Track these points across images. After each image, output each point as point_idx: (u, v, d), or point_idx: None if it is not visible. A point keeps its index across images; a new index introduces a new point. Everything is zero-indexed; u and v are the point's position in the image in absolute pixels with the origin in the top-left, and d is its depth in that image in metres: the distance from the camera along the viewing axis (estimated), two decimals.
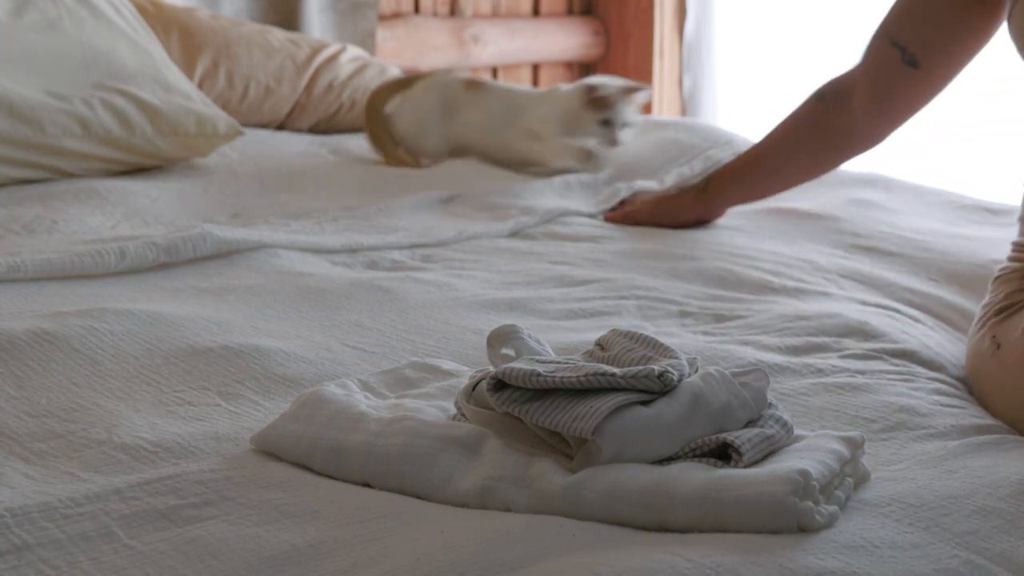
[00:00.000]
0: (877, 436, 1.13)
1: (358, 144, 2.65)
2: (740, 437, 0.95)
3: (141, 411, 1.14)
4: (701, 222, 1.99)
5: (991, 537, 0.90)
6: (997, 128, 3.27)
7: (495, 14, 3.64)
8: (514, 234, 1.96)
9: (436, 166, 2.42)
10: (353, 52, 2.88)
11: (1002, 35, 1.58)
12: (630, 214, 2.02)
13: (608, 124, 2.31)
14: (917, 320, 1.58)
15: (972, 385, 1.37)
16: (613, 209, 2.08)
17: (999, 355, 1.33)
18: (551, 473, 0.93)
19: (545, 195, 2.16)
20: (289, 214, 2.00)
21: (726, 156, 2.30)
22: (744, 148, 2.12)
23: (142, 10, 2.59)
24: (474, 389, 1.01)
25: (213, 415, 1.15)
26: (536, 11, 3.77)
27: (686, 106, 3.84)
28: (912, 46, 1.66)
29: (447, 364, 1.20)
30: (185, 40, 2.63)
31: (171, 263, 1.64)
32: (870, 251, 1.87)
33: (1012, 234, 1.52)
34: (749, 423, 0.99)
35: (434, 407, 1.06)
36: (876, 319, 1.51)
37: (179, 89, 2.29)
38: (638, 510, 0.89)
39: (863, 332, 1.46)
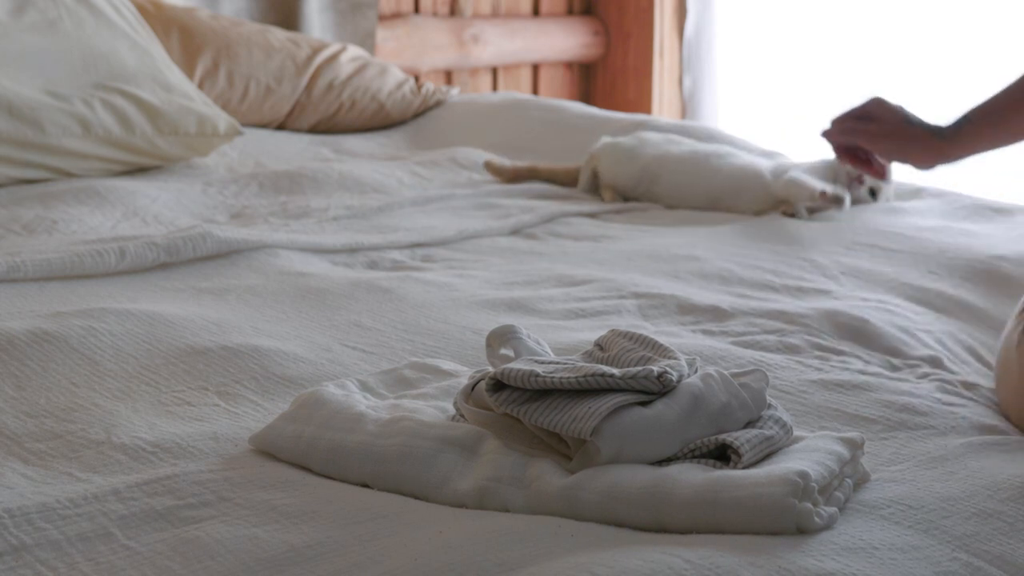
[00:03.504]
0: (877, 436, 1.13)
1: (358, 144, 2.65)
2: (739, 438, 0.94)
3: (140, 411, 1.14)
4: (928, 167, 1.78)
5: (991, 540, 0.90)
6: None
7: (495, 14, 3.64)
8: (514, 233, 1.96)
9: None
10: (353, 52, 2.88)
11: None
12: (851, 132, 1.75)
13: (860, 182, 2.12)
14: (917, 316, 1.58)
15: (995, 374, 1.36)
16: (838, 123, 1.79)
17: (1022, 347, 1.32)
18: (549, 474, 0.93)
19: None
20: (289, 214, 2.00)
21: None
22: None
23: (142, 10, 2.59)
24: (473, 389, 1.01)
25: (212, 415, 1.14)
26: (536, 11, 3.77)
27: (686, 106, 3.84)
28: None
29: (446, 364, 1.19)
30: (185, 40, 2.63)
31: (171, 263, 1.64)
32: (870, 248, 1.87)
33: (1013, 230, 1.51)
34: (748, 424, 0.99)
35: (433, 407, 1.06)
36: (876, 316, 1.51)
37: (179, 89, 2.29)
38: (636, 511, 0.89)
39: (863, 330, 1.46)
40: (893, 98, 1.83)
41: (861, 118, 1.81)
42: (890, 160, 1.82)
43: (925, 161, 1.78)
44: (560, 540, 0.86)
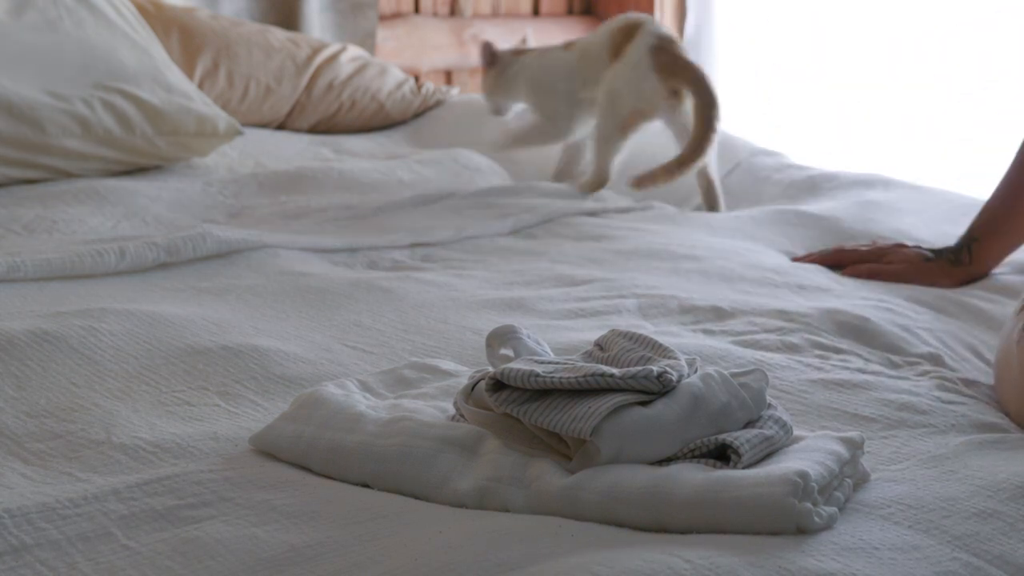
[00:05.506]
0: (877, 435, 1.13)
1: (358, 144, 2.65)
2: (739, 438, 0.94)
3: (140, 411, 1.14)
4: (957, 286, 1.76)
5: (991, 539, 0.90)
6: (998, 127, 3.27)
7: (495, 14, 3.64)
8: (514, 232, 1.96)
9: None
10: (353, 52, 2.88)
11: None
12: (876, 272, 1.77)
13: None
14: (917, 314, 1.58)
15: (994, 372, 1.36)
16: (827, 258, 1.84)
17: (1022, 345, 1.32)
18: (549, 474, 0.93)
19: (542, 196, 2.15)
20: (289, 214, 2.00)
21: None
22: None
23: (142, 10, 2.59)
24: (473, 389, 1.01)
25: (212, 415, 1.14)
26: (536, 11, 3.77)
27: None
28: None
29: (446, 364, 1.20)
30: (185, 40, 2.63)
31: (171, 263, 1.64)
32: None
33: None
34: (748, 424, 0.99)
35: (433, 407, 1.06)
36: (876, 315, 1.51)
37: (179, 89, 2.29)
38: (636, 511, 0.89)
39: (864, 328, 1.46)
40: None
41: (876, 258, 1.79)
42: (920, 284, 1.75)
43: (953, 286, 1.74)
44: (560, 540, 0.86)
